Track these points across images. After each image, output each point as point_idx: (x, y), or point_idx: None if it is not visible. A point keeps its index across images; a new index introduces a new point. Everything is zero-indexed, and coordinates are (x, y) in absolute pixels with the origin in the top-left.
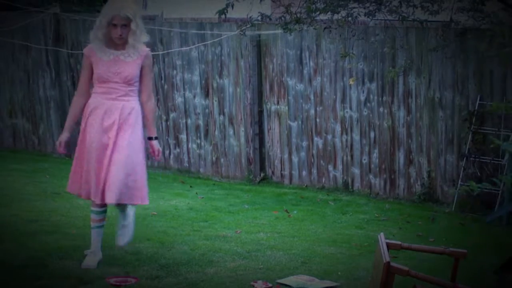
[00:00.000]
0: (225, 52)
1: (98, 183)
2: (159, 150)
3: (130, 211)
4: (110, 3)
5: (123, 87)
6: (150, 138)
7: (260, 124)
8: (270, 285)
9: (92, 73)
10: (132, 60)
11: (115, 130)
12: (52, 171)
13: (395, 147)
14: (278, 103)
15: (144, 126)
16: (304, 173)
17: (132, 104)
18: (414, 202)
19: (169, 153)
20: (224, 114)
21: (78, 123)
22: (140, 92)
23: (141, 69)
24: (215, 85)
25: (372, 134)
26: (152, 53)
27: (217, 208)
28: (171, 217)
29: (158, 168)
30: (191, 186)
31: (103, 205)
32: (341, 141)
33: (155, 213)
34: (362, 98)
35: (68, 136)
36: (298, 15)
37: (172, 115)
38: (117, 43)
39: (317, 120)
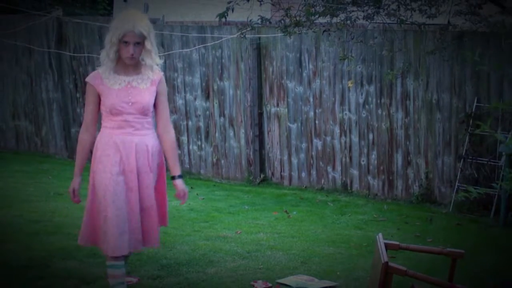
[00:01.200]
0: (225, 55)
1: (133, 231)
2: (185, 192)
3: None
4: (121, 18)
5: (139, 119)
6: (173, 178)
7: (260, 126)
8: (270, 285)
9: (99, 104)
10: (146, 87)
11: (135, 173)
12: (54, 172)
13: (393, 148)
14: (278, 105)
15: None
16: (303, 174)
17: (149, 139)
18: (412, 203)
19: None
20: (224, 116)
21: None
22: (157, 121)
23: (156, 96)
24: (215, 87)
25: (370, 136)
26: None
27: (217, 209)
28: (172, 217)
29: None
30: (192, 187)
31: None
32: (340, 143)
33: None
34: (361, 100)
35: (80, 181)
36: (298, 18)
37: (173, 117)
38: (128, 63)
39: (316, 122)
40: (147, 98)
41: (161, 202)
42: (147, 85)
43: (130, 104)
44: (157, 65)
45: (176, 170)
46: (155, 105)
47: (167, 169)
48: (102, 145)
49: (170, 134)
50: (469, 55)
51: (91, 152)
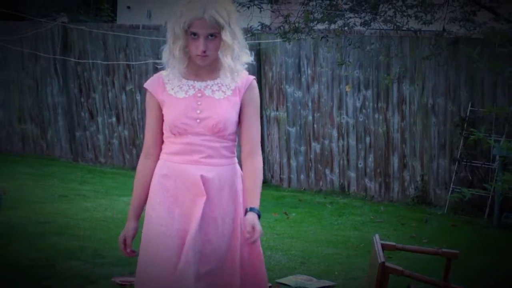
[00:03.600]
0: None
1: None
2: (257, 230)
3: None
4: (186, 1)
5: (212, 142)
6: (246, 210)
7: (260, 129)
8: (269, 284)
9: (162, 120)
10: (225, 97)
11: (197, 221)
12: (59, 175)
13: (390, 151)
14: (277, 109)
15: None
16: (302, 176)
17: (227, 172)
18: (408, 205)
19: None
20: None
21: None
22: (240, 143)
23: (241, 109)
24: None
25: (367, 139)
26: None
27: None
28: None
29: None
30: None
31: None
32: (338, 146)
33: None
34: (358, 104)
35: (135, 226)
36: (297, 24)
37: None
38: (199, 63)
39: (315, 126)
40: (224, 112)
41: (253, 267)
42: (226, 93)
43: (198, 120)
44: (243, 65)
45: (254, 201)
46: (240, 121)
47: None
48: (158, 176)
49: (256, 159)
50: (470, 51)
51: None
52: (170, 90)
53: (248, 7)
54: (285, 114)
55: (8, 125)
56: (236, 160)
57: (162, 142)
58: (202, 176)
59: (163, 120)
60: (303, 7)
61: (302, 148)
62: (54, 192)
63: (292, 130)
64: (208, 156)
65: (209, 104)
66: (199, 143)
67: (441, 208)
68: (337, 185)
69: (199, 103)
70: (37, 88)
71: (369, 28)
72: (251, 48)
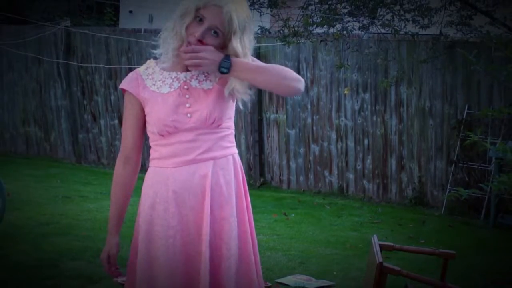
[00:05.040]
0: None
1: None
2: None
3: None
4: None
5: (208, 135)
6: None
7: (260, 132)
8: (269, 284)
9: (144, 120)
10: (214, 86)
11: (207, 221)
12: (63, 176)
13: (388, 153)
14: (277, 112)
15: None
16: (301, 178)
17: (230, 164)
18: (406, 206)
19: None
20: None
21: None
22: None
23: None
24: None
25: (365, 142)
26: None
27: None
28: None
29: None
30: None
31: None
32: (337, 148)
33: None
34: (356, 107)
35: (118, 242)
36: (296, 28)
37: None
38: (182, 57)
39: (314, 128)
40: (216, 101)
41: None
42: (213, 82)
43: (188, 115)
44: (245, 90)
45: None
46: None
47: None
48: (150, 185)
49: None
50: (466, 54)
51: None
52: (151, 86)
53: None
54: (285, 116)
55: (12, 128)
56: (236, 150)
57: (142, 146)
58: (204, 176)
59: (144, 122)
60: (303, 11)
61: (302, 150)
62: (58, 193)
63: (292, 133)
64: (206, 151)
65: (198, 96)
66: (192, 138)
67: (438, 209)
68: (336, 187)
69: (186, 96)
70: (40, 91)
71: (367, 32)
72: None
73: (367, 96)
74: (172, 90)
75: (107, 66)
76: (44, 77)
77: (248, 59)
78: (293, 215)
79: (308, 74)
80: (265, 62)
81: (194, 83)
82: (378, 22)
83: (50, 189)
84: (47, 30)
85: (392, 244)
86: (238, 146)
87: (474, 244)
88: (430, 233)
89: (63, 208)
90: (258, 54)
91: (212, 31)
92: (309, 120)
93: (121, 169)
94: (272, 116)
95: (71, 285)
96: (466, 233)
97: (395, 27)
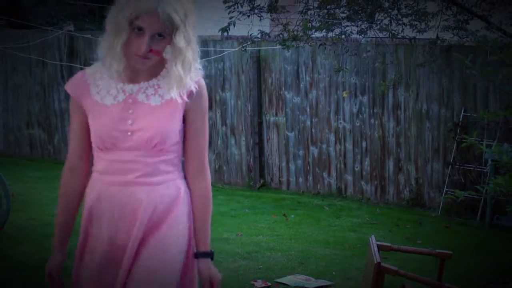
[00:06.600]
0: (227, 67)
1: None
2: (214, 279)
3: None
4: None
5: (148, 158)
6: (197, 255)
7: (260, 134)
8: (269, 284)
9: (89, 128)
10: (163, 102)
11: (133, 248)
12: None
13: (385, 155)
14: (276, 114)
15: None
16: (300, 180)
17: (171, 191)
18: (403, 207)
19: None
20: (226, 125)
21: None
22: (185, 159)
23: (185, 117)
24: (218, 98)
25: (364, 144)
26: None
27: (219, 212)
28: None
29: None
30: None
31: None
32: (335, 150)
33: None
34: (355, 110)
35: (63, 259)
36: (295, 32)
37: None
38: (137, 66)
39: (313, 130)
40: (162, 122)
41: None
42: (164, 98)
43: (129, 133)
44: (192, 78)
45: (204, 243)
46: (185, 133)
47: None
48: (92, 198)
49: (202, 184)
50: (462, 58)
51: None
52: (95, 94)
53: (249, 16)
54: (284, 119)
55: (17, 130)
56: (181, 174)
57: (91, 153)
58: (139, 200)
59: (88, 127)
60: (302, 16)
61: (301, 152)
62: None
63: (291, 135)
64: (145, 175)
65: (143, 113)
66: (131, 159)
67: (435, 210)
68: (335, 188)
69: (130, 111)
70: (44, 94)
71: (365, 36)
72: (251, 55)
73: (365, 99)
74: (115, 102)
75: None
76: (47, 80)
77: (193, 47)
78: (292, 216)
79: (307, 78)
80: (265, 65)
81: (141, 97)
82: (376, 26)
83: (53, 190)
84: (50, 34)
85: (389, 244)
86: (239, 148)
87: (471, 244)
88: (427, 233)
89: None
90: (258, 57)
91: (157, 35)
92: (308, 122)
93: (67, 180)
94: (272, 119)
95: None
96: (463, 234)
97: (393, 31)
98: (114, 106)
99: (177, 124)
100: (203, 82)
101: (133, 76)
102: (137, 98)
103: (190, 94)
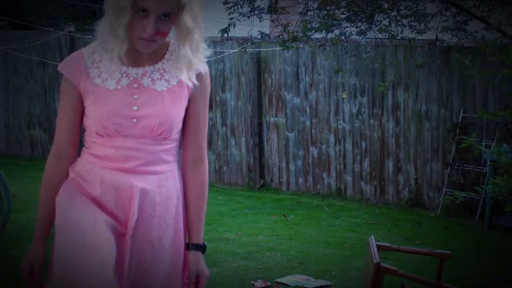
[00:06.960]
0: (227, 68)
1: None
2: (201, 275)
3: None
4: None
5: (151, 146)
6: (188, 246)
7: (260, 135)
8: (269, 284)
9: (82, 112)
10: (169, 87)
11: (128, 240)
12: None
13: (385, 156)
14: (276, 115)
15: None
16: (300, 180)
17: (170, 181)
18: (402, 207)
19: None
20: (226, 126)
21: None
22: (182, 147)
23: (189, 104)
24: (218, 98)
25: (363, 144)
26: None
27: (220, 213)
28: None
29: None
30: None
31: None
32: (335, 151)
33: None
34: (354, 111)
35: (44, 250)
36: (295, 34)
37: None
38: (141, 49)
39: (313, 131)
40: (168, 109)
41: None
42: (170, 83)
43: (134, 120)
44: (202, 60)
45: (196, 235)
46: (185, 119)
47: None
48: (75, 177)
49: (200, 175)
50: (461, 59)
51: None
52: (96, 77)
53: (249, 17)
54: (284, 120)
55: (18, 131)
56: (176, 165)
57: (79, 140)
58: (139, 189)
59: (83, 114)
60: (302, 17)
61: (300, 153)
62: None
63: (291, 135)
64: (147, 163)
65: (149, 98)
66: (134, 147)
67: (434, 210)
68: (334, 188)
69: (135, 96)
70: (45, 95)
71: (365, 37)
72: (251, 56)
73: (364, 99)
74: (119, 87)
75: None
76: (48, 81)
77: (200, 25)
78: (292, 216)
79: (307, 78)
80: (265, 66)
81: (146, 81)
82: (376, 27)
83: None
84: (51, 35)
85: (389, 244)
86: (239, 148)
87: (469, 244)
88: (426, 234)
89: None
90: (258, 58)
91: (162, 16)
92: (308, 123)
93: (53, 166)
94: (272, 120)
95: None
96: (462, 234)
97: (392, 32)
98: (117, 91)
99: (183, 111)
100: (207, 68)
101: (135, 59)
102: (142, 82)
103: (199, 76)
